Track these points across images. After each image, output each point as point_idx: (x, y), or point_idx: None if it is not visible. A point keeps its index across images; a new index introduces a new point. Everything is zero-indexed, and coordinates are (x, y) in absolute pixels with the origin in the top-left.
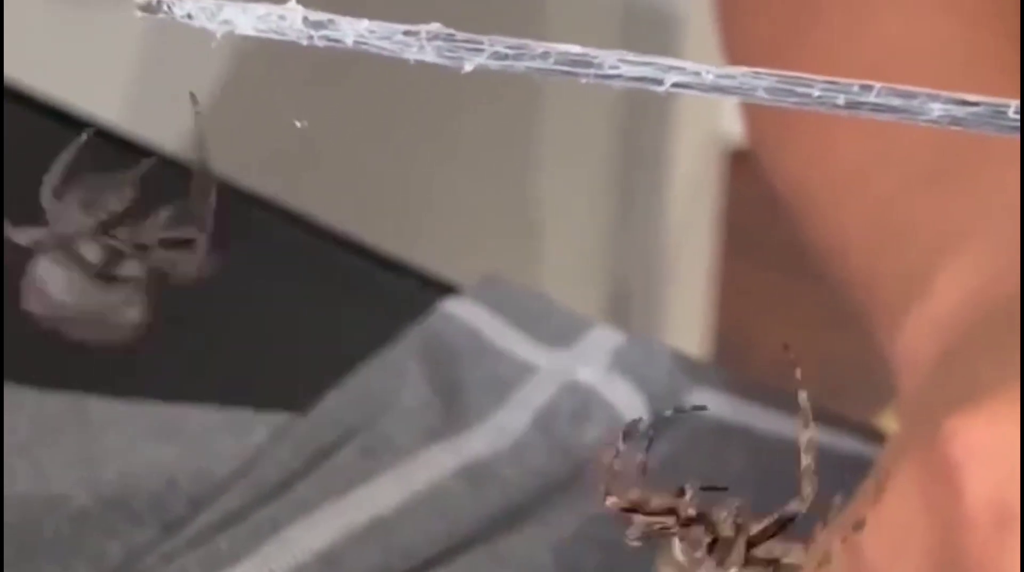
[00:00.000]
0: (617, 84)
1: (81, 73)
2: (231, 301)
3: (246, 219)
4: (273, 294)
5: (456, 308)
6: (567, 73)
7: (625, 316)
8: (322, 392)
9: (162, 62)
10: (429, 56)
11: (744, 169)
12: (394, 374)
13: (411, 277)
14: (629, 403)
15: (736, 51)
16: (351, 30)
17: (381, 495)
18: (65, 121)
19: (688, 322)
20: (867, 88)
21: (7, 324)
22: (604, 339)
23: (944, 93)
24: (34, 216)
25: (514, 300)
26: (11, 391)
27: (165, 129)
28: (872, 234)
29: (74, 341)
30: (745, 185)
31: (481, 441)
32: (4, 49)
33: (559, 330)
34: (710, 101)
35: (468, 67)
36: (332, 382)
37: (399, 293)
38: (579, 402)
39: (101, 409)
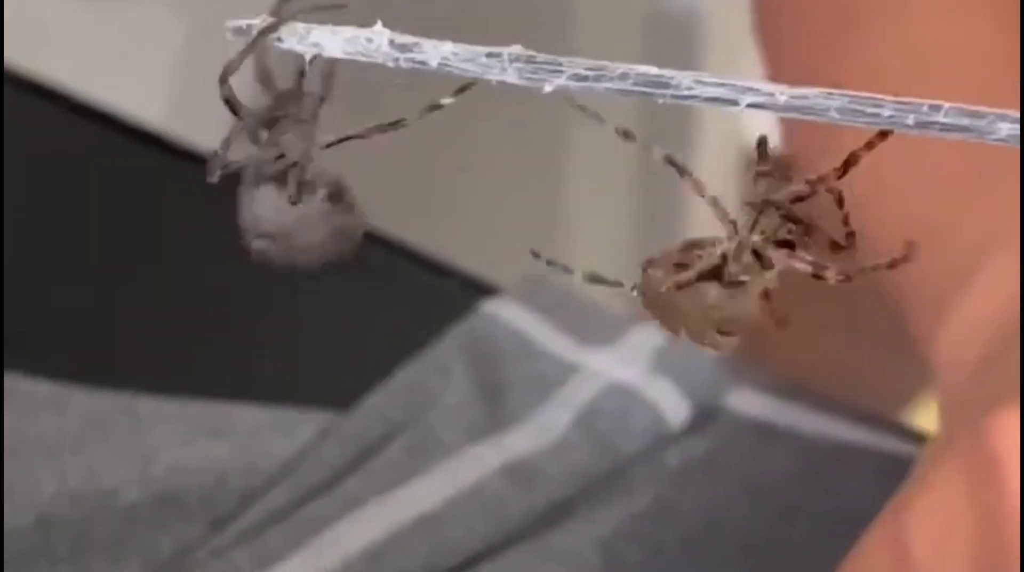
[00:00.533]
0: (696, 104)
1: (108, 68)
2: (276, 301)
3: None
4: (318, 294)
5: (498, 308)
6: (645, 94)
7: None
8: (367, 391)
9: (189, 57)
10: (511, 78)
11: None
12: (438, 373)
13: (453, 278)
14: (671, 403)
15: (775, 55)
16: (435, 53)
17: (426, 493)
18: (67, 106)
19: None
20: (936, 108)
21: (58, 325)
22: (645, 339)
23: (1012, 113)
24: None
25: (555, 301)
26: (62, 390)
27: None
28: (913, 233)
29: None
30: None
31: (525, 440)
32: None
33: (600, 330)
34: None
35: (548, 88)
36: (376, 381)
37: (441, 294)
38: (621, 402)
39: (150, 408)
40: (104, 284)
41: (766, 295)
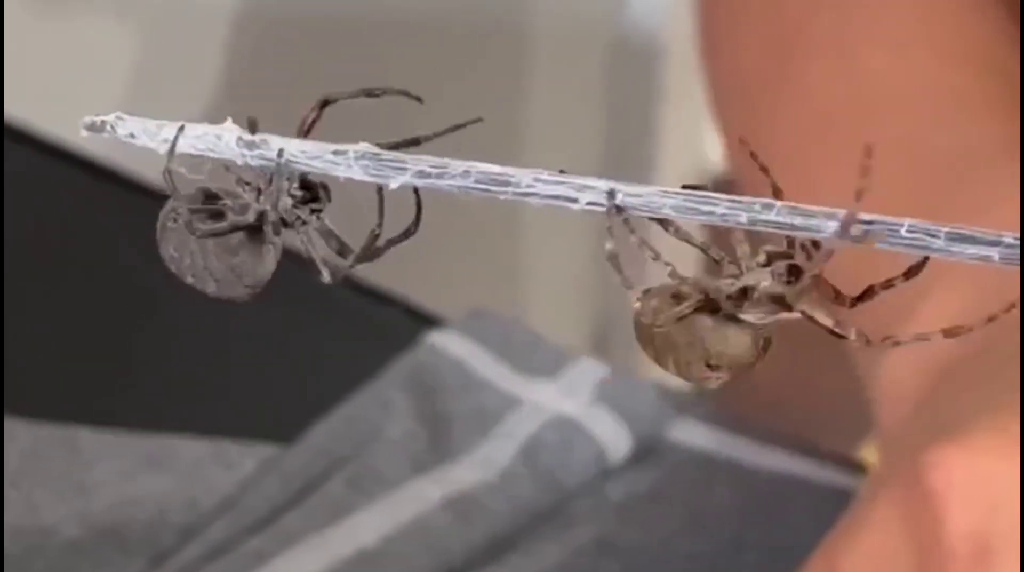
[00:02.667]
0: (534, 201)
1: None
2: (219, 333)
3: None
4: (261, 325)
5: (442, 340)
6: (486, 190)
7: (608, 348)
8: (309, 423)
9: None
10: (356, 174)
11: None
12: (380, 406)
13: (398, 309)
14: (613, 435)
15: (720, 82)
16: (285, 149)
17: (366, 527)
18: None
19: None
20: (768, 207)
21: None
22: (588, 372)
23: (839, 211)
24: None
25: (500, 333)
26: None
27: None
28: (857, 268)
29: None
30: None
31: (467, 472)
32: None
33: (544, 363)
34: (694, 131)
35: (393, 185)
36: (319, 413)
37: (386, 325)
38: (563, 434)
39: (91, 441)
40: (44, 316)
41: (767, 341)
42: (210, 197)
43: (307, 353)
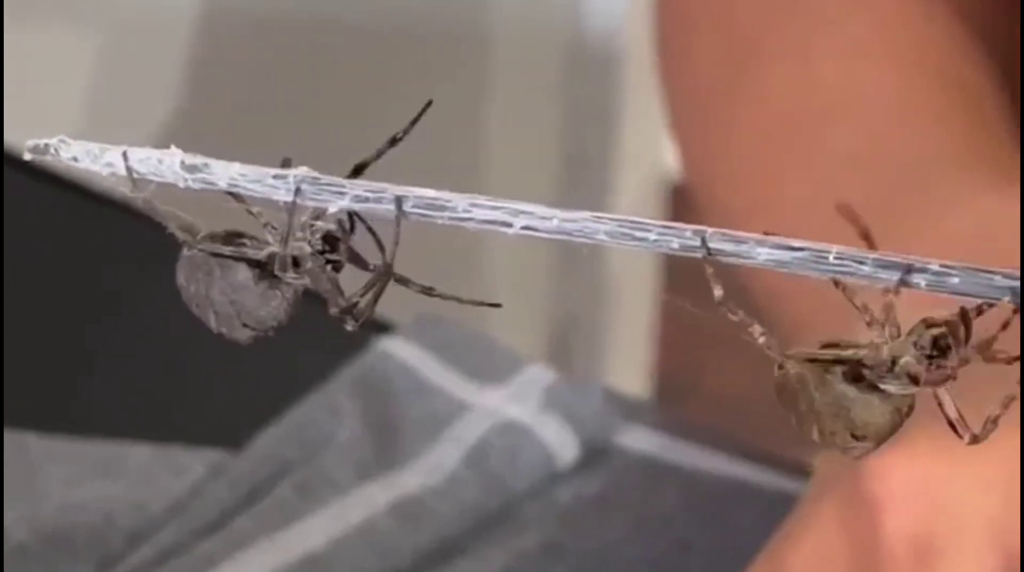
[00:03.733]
0: (470, 226)
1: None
2: (167, 339)
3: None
4: (210, 332)
5: (391, 346)
6: (424, 215)
7: (567, 355)
8: (259, 429)
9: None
10: (299, 199)
11: (685, 205)
12: (329, 411)
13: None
14: (560, 440)
15: (676, 96)
16: (224, 173)
17: (314, 531)
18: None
19: (631, 360)
20: (699, 232)
21: None
22: (537, 377)
23: (772, 238)
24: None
25: (448, 338)
26: None
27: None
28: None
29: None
30: (687, 221)
31: (414, 477)
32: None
33: (493, 368)
34: (653, 134)
35: (332, 209)
36: (269, 419)
37: (335, 331)
38: (511, 439)
39: (40, 446)
40: None
41: (909, 409)
42: (234, 236)
43: (256, 358)
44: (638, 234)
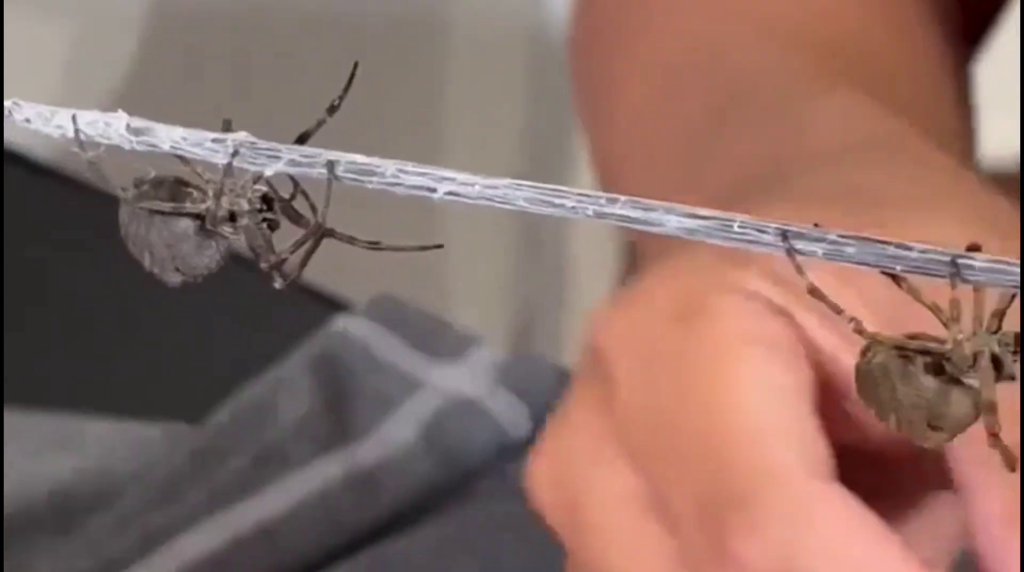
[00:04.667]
0: (399, 191)
1: None
2: (129, 315)
3: None
4: (170, 308)
5: (348, 324)
6: (355, 180)
7: (528, 337)
8: (218, 404)
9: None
10: (235, 161)
11: None
12: (286, 387)
13: (306, 294)
14: (512, 416)
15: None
16: (167, 136)
17: (269, 503)
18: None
19: None
20: (612, 201)
21: None
22: (489, 355)
23: (680, 206)
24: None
25: (404, 317)
26: None
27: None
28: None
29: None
30: None
31: (369, 452)
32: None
33: (447, 346)
34: None
35: (268, 172)
36: (227, 394)
37: (295, 310)
38: (464, 414)
39: (6, 419)
40: None
41: (991, 406)
42: (181, 184)
43: (218, 335)
44: (556, 201)
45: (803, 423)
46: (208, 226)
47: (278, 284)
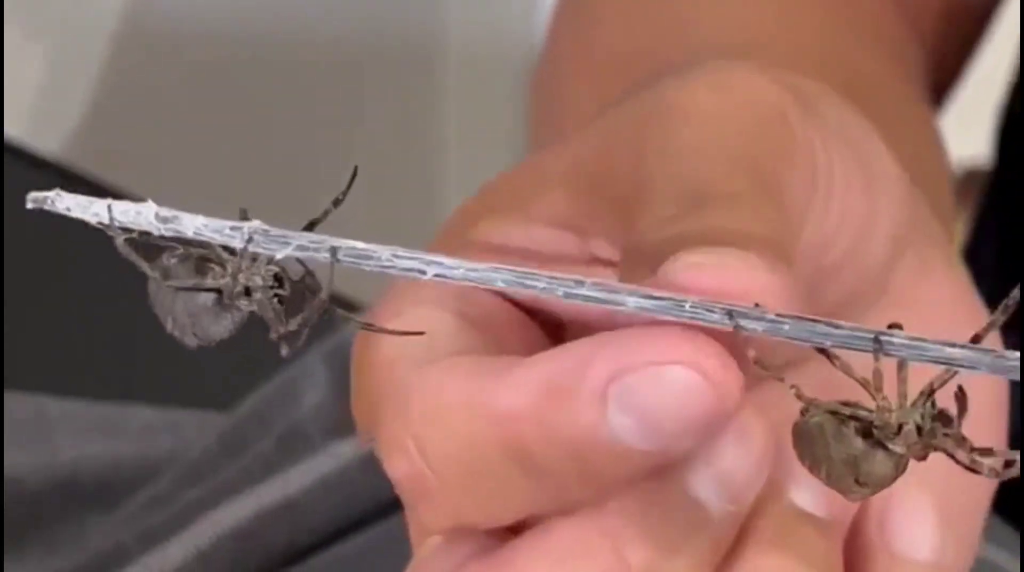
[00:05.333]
0: (393, 273)
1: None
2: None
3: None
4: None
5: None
6: (354, 263)
7: None
8: (245, 394)
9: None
10: (250, 246)
11: None
12: (306, 378)
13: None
14: None
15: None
16: (191, 224)
17: (293, 481)
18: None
19: None
20: (580, 283)
21: None
22: None
23: (641, 289)
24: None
25: None
26: None
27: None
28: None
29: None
30: None
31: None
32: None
33: None
34: None
35: (279, 256)
36: (253, 385)
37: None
38: None
39: (56, 407)
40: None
41: (905, 466)
42: (204, 260)
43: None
44: (528, 282)
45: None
46: (226, 300)
47: (284, 352)
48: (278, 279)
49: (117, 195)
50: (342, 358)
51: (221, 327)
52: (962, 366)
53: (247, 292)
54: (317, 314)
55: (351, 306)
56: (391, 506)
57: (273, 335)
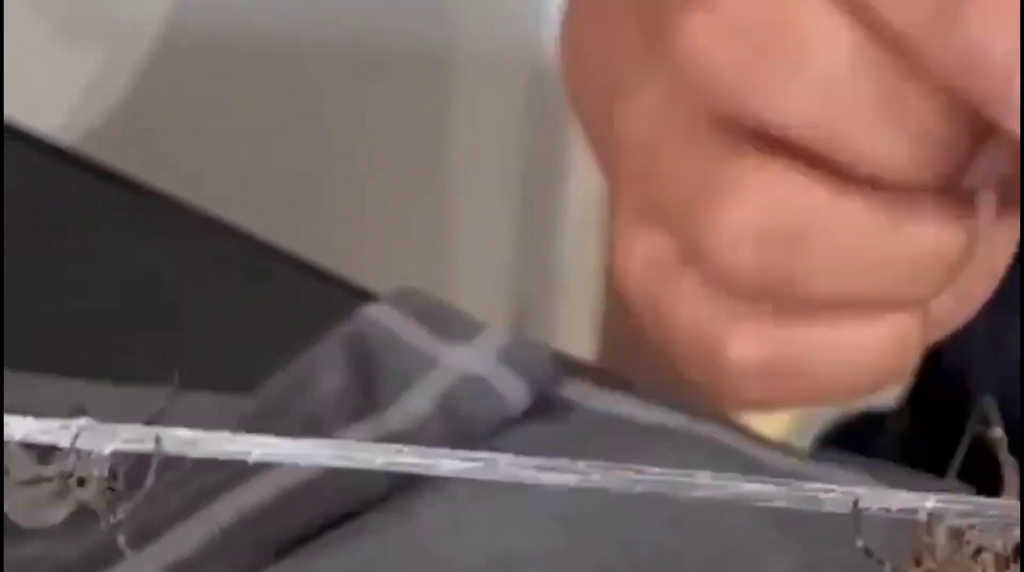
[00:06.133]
0: (220, 456)
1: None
2: (201, 317)
3: (209, 243)
4: (227, 302)
5: (375, 312)
6: (180, 451)
7: (525, 324)
8: (264, 379)
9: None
10: (78, 443)
11: None
12: (323, 365)
13: (340, 288)
14: (514, 391)
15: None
16: (20, 428)
17: (311, 463)
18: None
19: (580, 332)
20: (399, 451)
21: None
22: (494, 337)
23: (456, 452)
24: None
25: (423, 306)
26: (16, 378)
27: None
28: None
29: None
30: None
31: (392, 420)
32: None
33: (459, 330)
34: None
35: (106, 450)
36: (271, 371)
37: (330, 301)
38: (472, 389)
39: (97, 392)
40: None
41: None
42: (49, 451)
43: (270, 324)
44: (353, 456)
45: None
46: (61, 490)
47: (120, 542)
48: (111, 471)
49: (120, 181)
50: (361, 344)
51: (56, 512)
52: None
53: (80, 483)
54: (145, 504)
55: (358, 294)
56: (405, 489)
57: (103, 525)
